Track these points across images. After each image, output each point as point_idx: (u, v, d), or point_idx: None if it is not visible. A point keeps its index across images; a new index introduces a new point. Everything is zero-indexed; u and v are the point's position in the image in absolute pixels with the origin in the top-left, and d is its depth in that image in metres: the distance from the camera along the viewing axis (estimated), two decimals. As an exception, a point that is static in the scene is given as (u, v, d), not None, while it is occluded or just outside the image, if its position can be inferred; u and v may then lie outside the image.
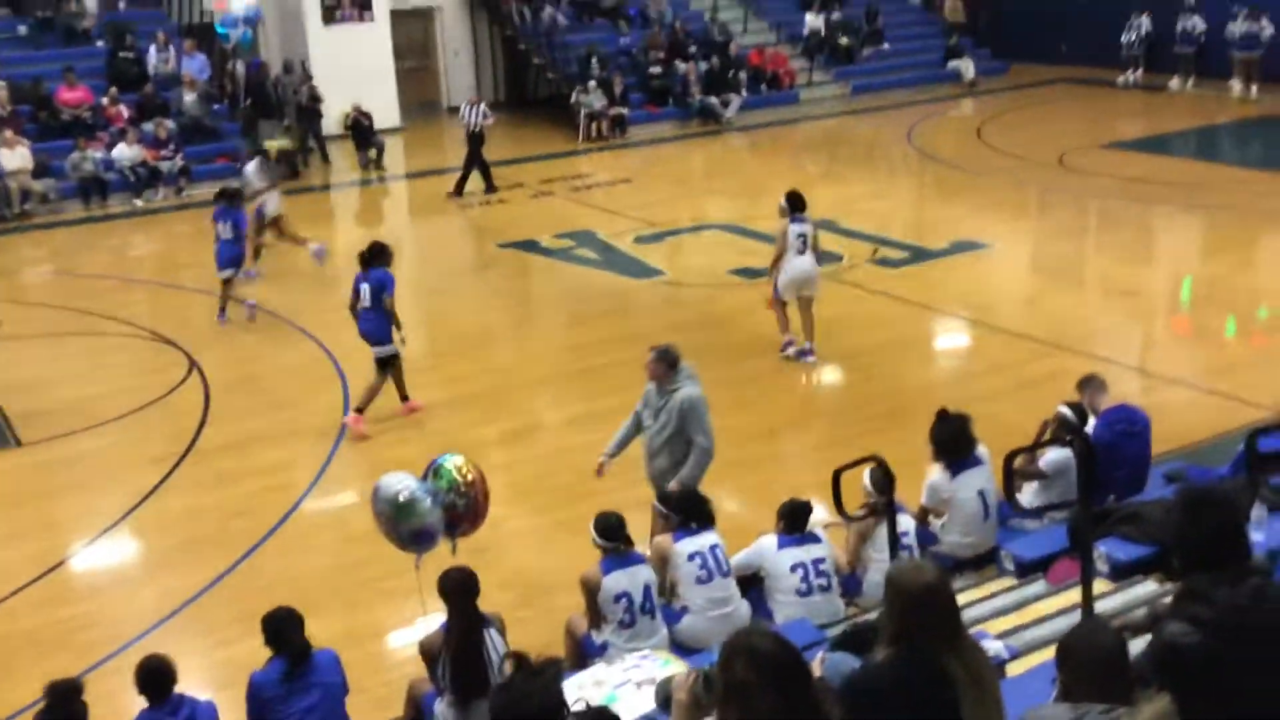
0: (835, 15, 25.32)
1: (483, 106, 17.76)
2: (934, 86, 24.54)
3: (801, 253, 10.30)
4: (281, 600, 5.38)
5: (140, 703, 4.96)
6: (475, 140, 17.51)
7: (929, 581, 3.19)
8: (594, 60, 22.35)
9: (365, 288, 9.49)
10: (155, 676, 4.89)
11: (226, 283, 12.34)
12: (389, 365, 9.65)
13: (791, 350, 10.65)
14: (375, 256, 9.62)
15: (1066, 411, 6.71)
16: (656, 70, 22.90)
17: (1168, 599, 4.84)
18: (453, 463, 4.76)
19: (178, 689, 4.98)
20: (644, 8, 24.51)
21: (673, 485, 6.73)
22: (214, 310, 12.50)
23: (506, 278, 14.12)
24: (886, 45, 25.41)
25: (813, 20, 25.09)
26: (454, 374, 11.00)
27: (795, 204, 10.46)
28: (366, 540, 7.76)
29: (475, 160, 17.57)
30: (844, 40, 25.08)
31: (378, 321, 9.50)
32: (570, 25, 23.88)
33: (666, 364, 6.97)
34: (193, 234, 17.18)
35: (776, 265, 10.42)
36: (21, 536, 8.25)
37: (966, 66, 24.83)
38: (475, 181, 17.61)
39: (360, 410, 9.58)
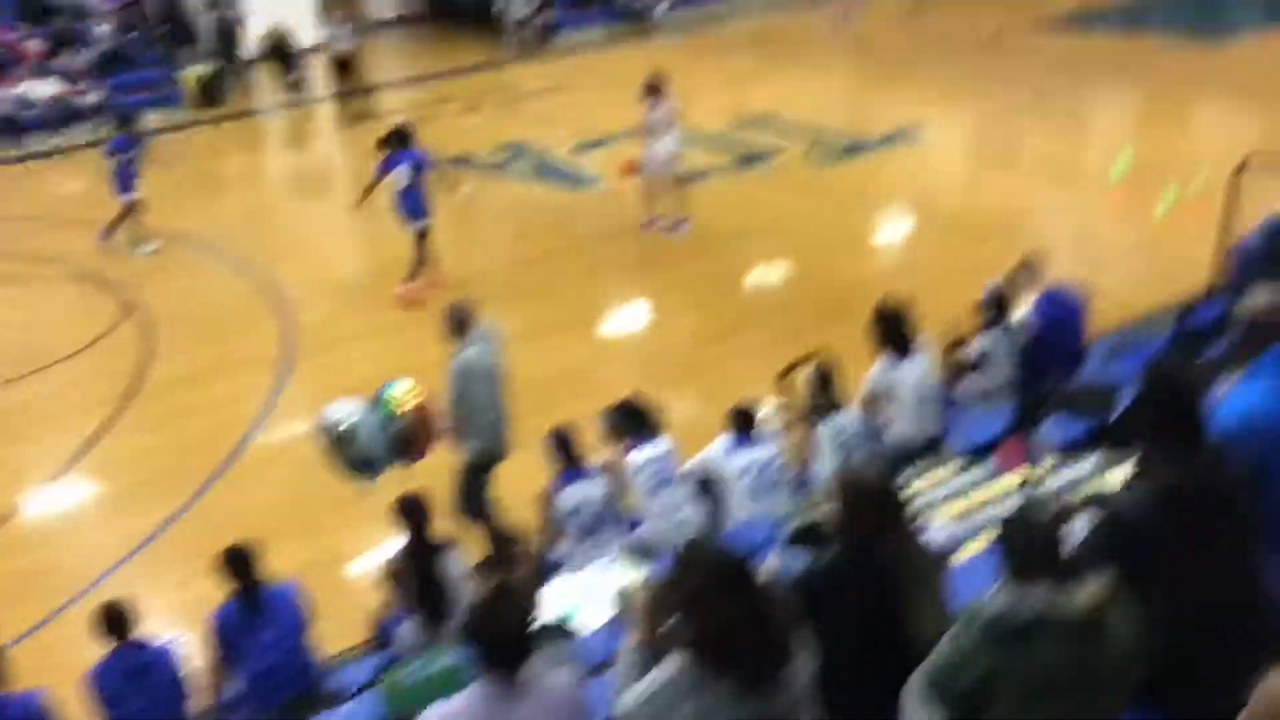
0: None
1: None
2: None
3: (671, 128, 11.24)
4: (241, 533, 5.37)
5: (101, 649, 4.97)
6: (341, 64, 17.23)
7: (873, 480, 3.26)
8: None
9: (404, 167, 10.11)
10: (116, 620, 4.89)
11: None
12: (426, 236, 10.40)
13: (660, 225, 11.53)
14: (407, 137, 10.28)
15: (987, 291, 6.82)
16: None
17: (1109, 479, 4.99)
18: (396, 390, 4.74)
19: (139, 631, 5.00)
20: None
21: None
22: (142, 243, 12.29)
23: (442, 195, 13.92)
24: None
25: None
26: (392, 296, 10.88)
27: (653, 89, 11.29)
28: (322, 467, 7.82)
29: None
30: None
31: (415, 197, 10.22)
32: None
33: (453, 323, 6.41)
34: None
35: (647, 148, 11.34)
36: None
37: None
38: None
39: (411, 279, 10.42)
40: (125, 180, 12.19)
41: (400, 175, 10.21)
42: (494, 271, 11.45)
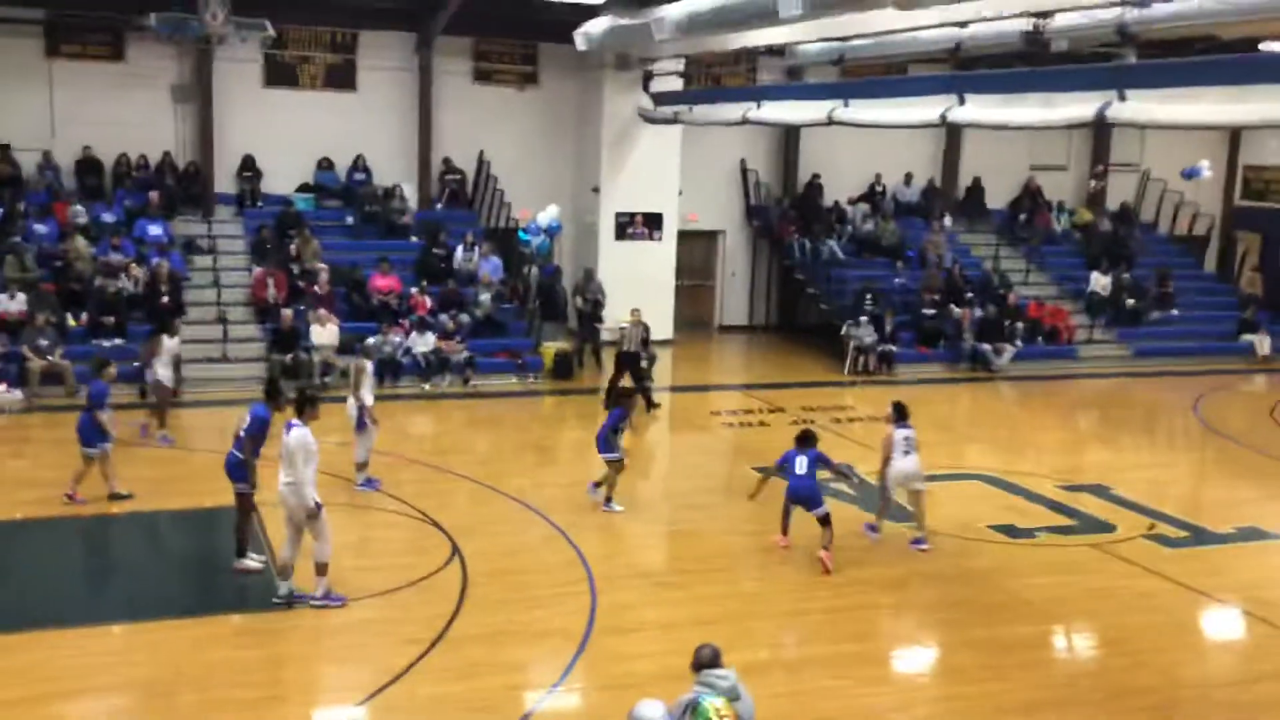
0: (1124, 275, 24.88)
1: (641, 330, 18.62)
2: (1223, 358, 23.55)
3: (906, 454, 12.25)
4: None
5: None
6: (633, 360, 18.30)
7: None
8: (868, 296, 22.69)
9: (802, 459, 11.75)
10: None
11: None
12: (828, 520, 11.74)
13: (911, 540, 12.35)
14: (810, 438, 12.00)
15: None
16: (930, 312, 22.99)
17: None
18: (711, 704, 4.76)
19: None
20: (923, 250, 24.83)
21: None
22: (479, 497, 13.14)
23: (759, 502, 14.12)
24: (1176, 311, 24.70)
25: (1099, 279, 24.73)
26: (699, 594, 11.01)
27: (900, 413, 12.42)
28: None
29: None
30: (1131, 302, 24.53)
31: (813, 484, 11.78)
32: (848, 260, 24.44)
33: (694, 662, 6.15)
34: (468, 421, 18.27)
35: (886, 465, 12.32)
36: (281, 699, 8.69)
37: (1262, 341, 23.79)
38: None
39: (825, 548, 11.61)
40: (607, 443, 13.25)
41: (801, 464, 11.78)
42: (796, 589, 11.38)
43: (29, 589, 10.61)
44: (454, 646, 9.50)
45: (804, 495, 11.79)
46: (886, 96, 16.55)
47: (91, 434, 12.58)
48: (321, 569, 10.07)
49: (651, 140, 23.28)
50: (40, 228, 19.98)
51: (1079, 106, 12.54)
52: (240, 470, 10.81)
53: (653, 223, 23.76)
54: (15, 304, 17.83)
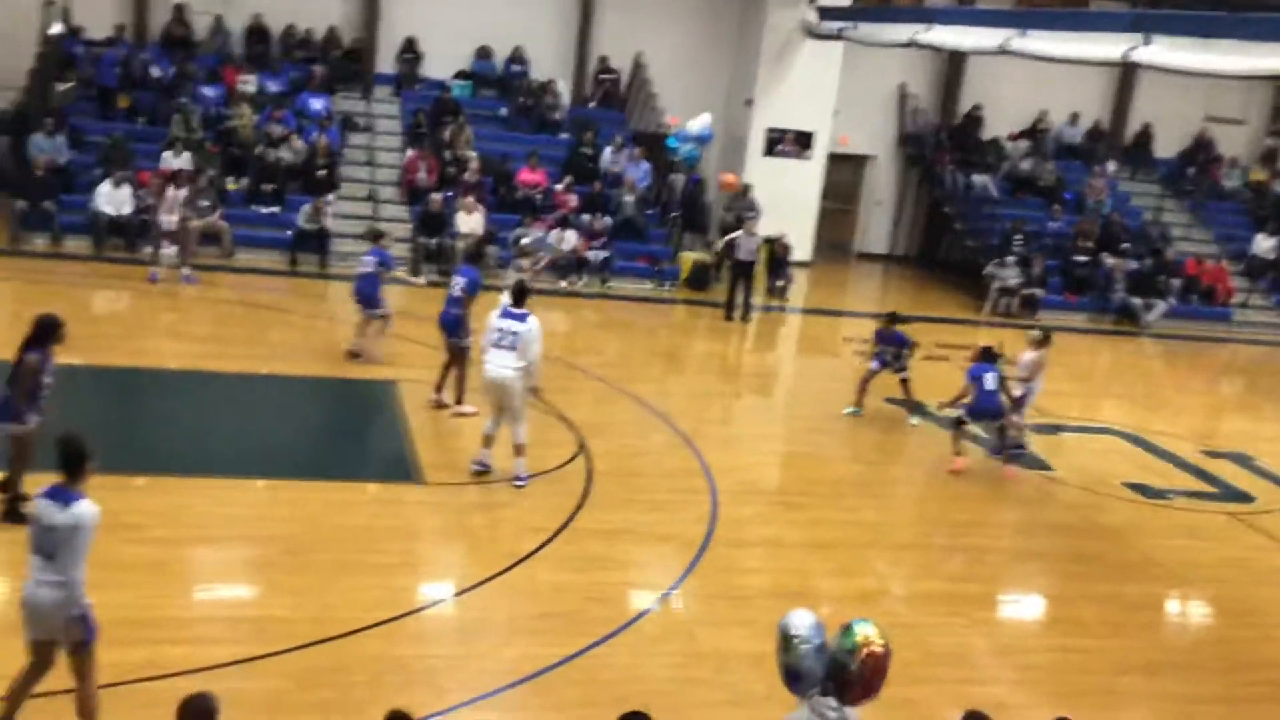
0: (1291, 240, 23.74)
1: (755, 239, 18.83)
2: (1389, 336, 22.36)
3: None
4: (622, 697, 5.56)
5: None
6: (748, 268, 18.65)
7: None
8: (1017, 236, 22.07)
9: (991, 375, 12.21)
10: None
11: None
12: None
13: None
14: (994, 356, 12.52)
15: None
16: (1082, 259, 22.28)
17: None
18: (864, 629, 4.80)
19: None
20: (1082, 194, 23.99)
21: None
22: (606, 397, 13.30)
23: (885, 432, 14.04)
24: (1345, 279, 23.50)
25: (1264, 241, 23.62)
26: (817, 517, 11.04)
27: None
28: (712, 659, 7.99)
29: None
30: (1295, 267, 23.42)
31: (992, 397, 12.22)
32: (1001, 198, 23.76)
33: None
34: (601, 323, 18.45)
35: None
36: (410, 567, 9.04)
37: None
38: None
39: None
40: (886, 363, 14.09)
41: (988, 380, 12.17)
42: (915, 522, 11.35)
43: (182, 437, 11.13)
44: (575, 538, 9.72)
45: (994, 410, 12.29)
46: (1067, 30, 15.85)
47: (375, 298, 13.64)
48: (520, 450, 10.49)
49: (811, 56, 22.78)
50: (208, 91, 20.55)
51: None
52: (461, 326, 12.23)
53: (803, 141, 23.37)
54: (179, 161, 18.45)
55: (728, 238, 19.31)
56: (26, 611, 5.99)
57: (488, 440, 10.67)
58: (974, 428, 12.75)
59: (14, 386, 8.51)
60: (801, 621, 4.93)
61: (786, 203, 22.28)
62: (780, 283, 20.76)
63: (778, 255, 20.94)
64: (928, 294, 22.76)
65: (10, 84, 20.22)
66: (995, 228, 22.78)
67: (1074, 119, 25.61)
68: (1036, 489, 12.48)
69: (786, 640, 4.92)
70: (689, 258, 20.64)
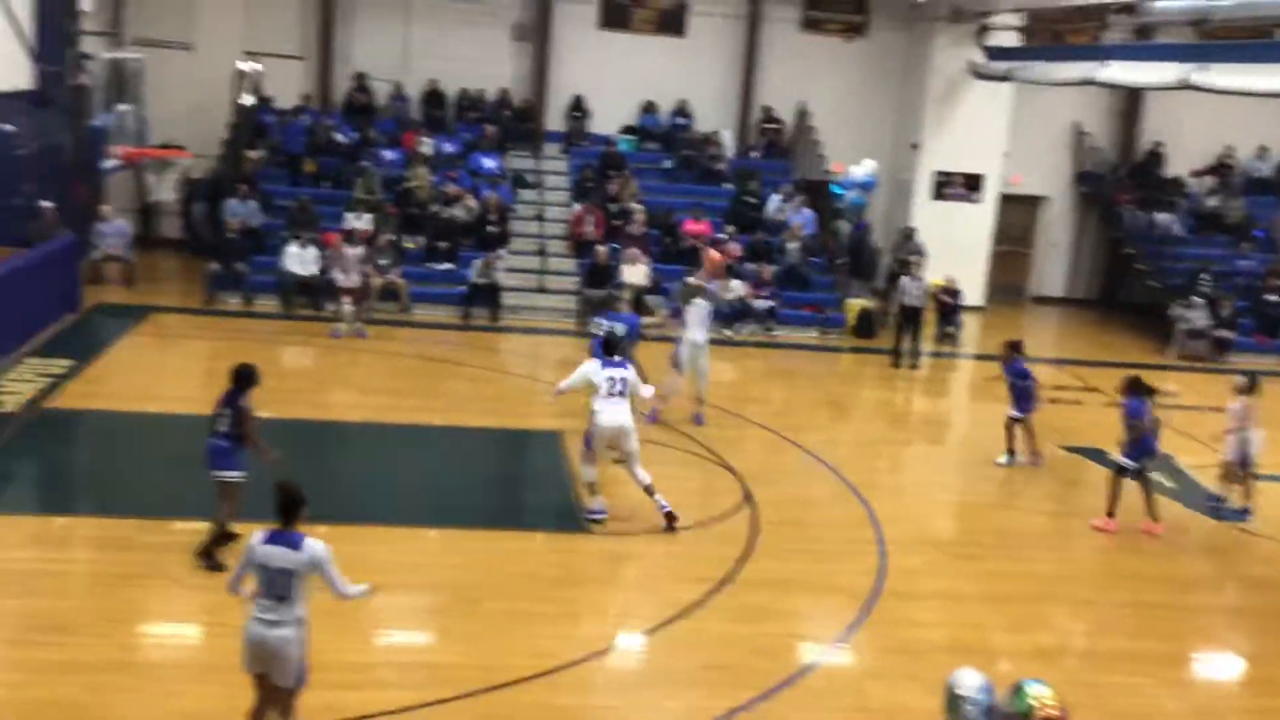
0: None
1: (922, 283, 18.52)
2: None
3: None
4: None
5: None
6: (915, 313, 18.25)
7: None
8: (1204, 275, 21.10)
9: (1141, 408, 11.59)
10: None
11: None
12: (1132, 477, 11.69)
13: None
14: (1143, 389, 11.71)
15: None
16: (1274, 299, 21.12)
17: None
18: (1037, 690, 4.63)
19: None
20: (1273, 230, 22.81)
21: None
22: (772, 446, 13.23)
23: (1061, 481, 13.55)
24: None
25: None
26: (991, 569, 10.71)
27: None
28: (882, 715, 7.80)
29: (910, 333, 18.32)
30: None
31: (1147, 441, 11.68)
32: (1185, 237, 22.80)
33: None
34: (766, 371, 18.39)
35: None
36: (576, 616, 9.13)
37: None
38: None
39: (1110, 514, 11.64)
40: (1022, 400, 13.68)
41: (1145, 417, 11.58)
42: (1097, 576, 10.88)
43: (360, 487, 11.56)
44: (741, 589, 9.65)
45: (1154, 448, 11.79)
46: (1253, 61, 15.18)
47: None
48: (651, 488, 10.72)
49: (979, 97, 22.41)
50: (388, 154, 21.49)
51: None
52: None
53: (972, 184, 22.95)
54: (360, 222, 19.30)
55: (893, 283, 19.07)
56: (257, 650, 6.31)
57: (595, 487, 10.80)
58: (1156, 475, 12.20)
59: (242, 432, 9.00)
60: (969, 681, 4.79)
61: (956, 246, 21.93)
62: (950, 328, 20.34)
63: (946, 300, 20.52)
64: (1108, 337, 21.95)
65: (207, 152, 21.56)
66: (1180, 267, 21.85)
67: (1261, 152, 24.43)
68: (1230, 541, 11.83)
69: (954, 700, 4.79)
70: (854, 304, 20.43)
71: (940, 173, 22.92)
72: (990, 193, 23.06)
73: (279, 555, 6.22)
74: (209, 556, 9.02)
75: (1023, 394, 13.63)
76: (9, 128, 16.50)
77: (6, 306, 14.34)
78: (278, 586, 6.22)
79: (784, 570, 10.11)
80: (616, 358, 10.83)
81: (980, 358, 20.15)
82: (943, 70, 22.52)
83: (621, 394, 10.53)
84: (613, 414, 10.51)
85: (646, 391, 10.97)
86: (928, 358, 19.38)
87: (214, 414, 9.11)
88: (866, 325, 20.16)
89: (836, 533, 11.21)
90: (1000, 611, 9.76)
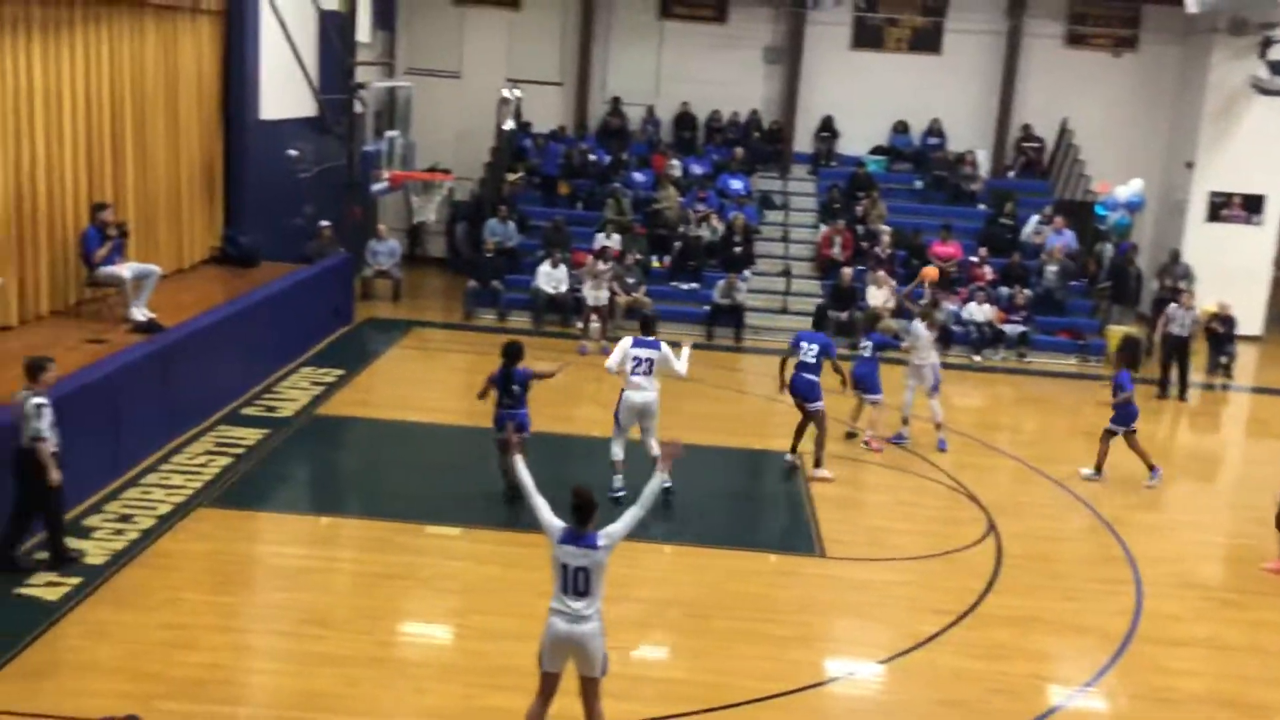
0: None
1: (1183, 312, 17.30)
2: None
3: None
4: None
5: None
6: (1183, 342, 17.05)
7: None
8: None
9: None
10: None
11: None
12: None
13: None
14: None
15: None
16: None
17: None
18: None
19: None
20: None
21: None
22: (1020, 477, 12.74)
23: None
24: None
25: None
26: (1261, 618, 9.94)
27: None
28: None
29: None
30: None
31: None
32: None
33: None
34: (1017, 399, 17.70)
35: None
36: (807, 640, 9.01)
37: None
38: None
39: None
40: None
41: None
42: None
43: (603, 503, 11.77)
44: (981, 624, 9.32)
45: None
46: None
47: (874, 383, 13.59)
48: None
49: (1262, 113, 20.92)
50: (638, 176, 21.98)
51: None
52: (813, 390, 12.43)
53: (1252, 205, 21.43)
54: (610, 242, 19.79)
55: (1160, 310, 17.98)
56: (564, 645, 6.68)
57: (619, 465, 11.38)
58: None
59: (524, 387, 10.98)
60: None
61: (1232, 271, 20.54)
62: (1223, 358, 19.00)
63: (1216, 329, 19.18)
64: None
65: (470, 175, 22.64)
66: None
67: None
68: None
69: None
70: (1116, 331, 19.36)
71: (1216, 193, 21.50)
72: (1272, 215, 21.46)
73: (578, 554, 6.62)
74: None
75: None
76: (294, 152, 17.81)
77: (288, 319, 15.49)
78: (579, 582, 6.62)
79: (1028, 607, 9.70)
80: (649, 337, 11.41)
81: (1258, 390, 18.79)
82: (1221, 85, 21.15)
83: (647, 373, 11.19)
84: (637, 391, 11.23)
85: (681, 367, 11.21)
86: (1198, 389, 18.18)
87: (483, 390, 11.06)
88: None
89: (1087, 570, 10.67)
90: (1267, 665, 9.04)
